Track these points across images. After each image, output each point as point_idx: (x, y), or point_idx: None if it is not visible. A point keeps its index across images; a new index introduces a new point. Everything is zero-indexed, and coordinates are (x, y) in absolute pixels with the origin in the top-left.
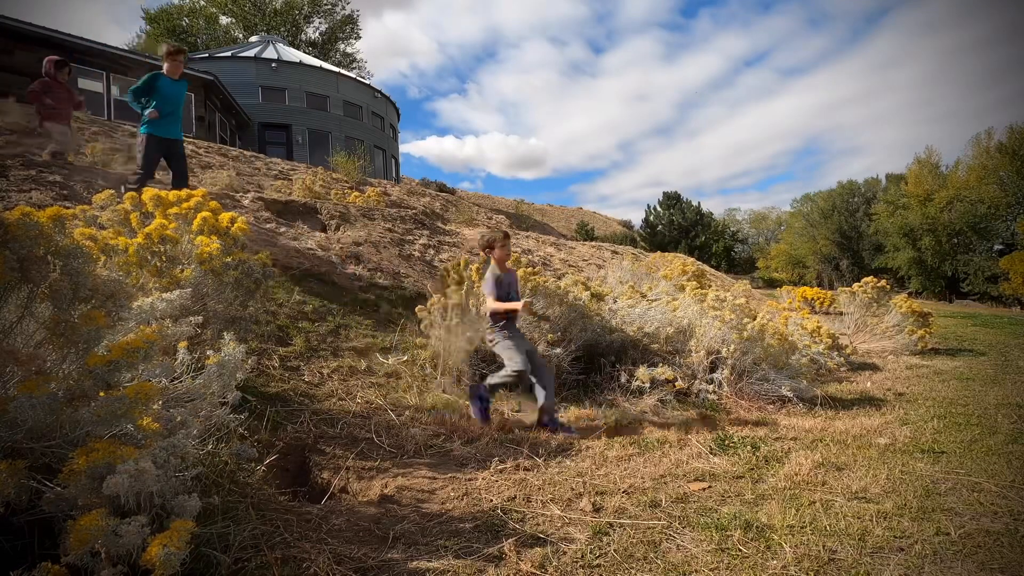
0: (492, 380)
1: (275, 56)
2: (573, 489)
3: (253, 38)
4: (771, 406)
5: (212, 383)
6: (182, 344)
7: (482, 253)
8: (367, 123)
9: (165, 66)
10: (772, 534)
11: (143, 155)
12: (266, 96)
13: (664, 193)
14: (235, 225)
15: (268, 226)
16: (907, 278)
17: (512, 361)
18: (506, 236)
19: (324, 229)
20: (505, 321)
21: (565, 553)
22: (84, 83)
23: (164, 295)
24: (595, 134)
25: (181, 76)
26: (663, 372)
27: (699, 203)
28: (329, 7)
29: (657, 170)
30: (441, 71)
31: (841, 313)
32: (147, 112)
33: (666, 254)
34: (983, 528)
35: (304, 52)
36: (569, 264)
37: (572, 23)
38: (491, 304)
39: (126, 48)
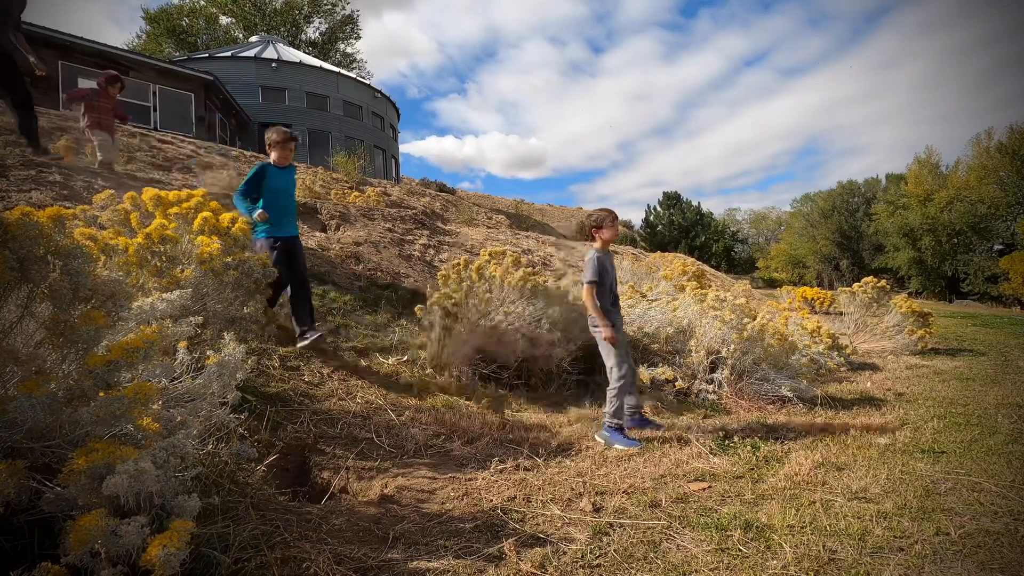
0: (613, 407)
1: (275, 56)
2: (573, 489)
3: (253, 38)
4: (771, 406)
5: (212, 383)
6: (182, 344)
7: (591, 234)
8: (367, 123)
9: (273, 155)
10: (772, 534)
11: (273, 263)
12: (266, 96)
13: (664, 193)
14: (235, 225)
15: None
16: (907, 278)
17: (613, 372)
18: (615, 216)
19: (324, 229)
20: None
21: (565, 553)
22: (84, 83)
23: (164, 295)
24: (595, 134)
25: (288, 163)
26: (663, 372)
27: (699, 203)
28: (329, 7)
29: (657, 170)
30: (440, 71)
31: (841, 313)
32: (255, 215)
33: (666, 254)
34: (983, 528)
35: (304, 52)
36: (569, 264)
37: (571, 23)
38: (588, 298)
39: (126, 48)
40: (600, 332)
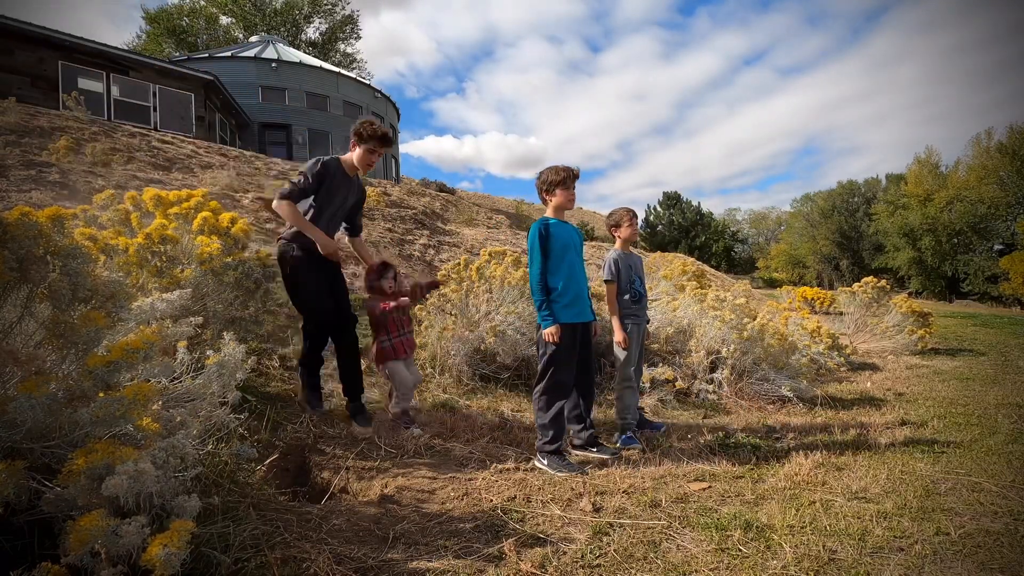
0: (622, 405)
1: (275, 56)
2: (573, 489)
3: (253, 38)
4: (771, 406)
5: (212, 383)
6: (182, 344)
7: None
8: None
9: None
10: (772, 534)
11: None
12: (266, 96)
13: (664, 193)
14: (235, 225)
15: (268, 226)
16: (907, 278)
17: (620, 371)
18: (634, 214)
19: None
20: (630, 310)
21: (565, 553)
22: (84, 83)
23: (164, 295)
24: (594, 133)
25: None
26: (663, 372)
27: (699, 203)
28: (329, 7)
29: (656, 169)
30: (438, 70)
31: (841, 313)
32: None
33: (666, 254)
34: (983, 528)
35: (304, 52)
36: None
37: (569, 21)
38: (608, 299)
39: (126, 48)
40: (615, 333)
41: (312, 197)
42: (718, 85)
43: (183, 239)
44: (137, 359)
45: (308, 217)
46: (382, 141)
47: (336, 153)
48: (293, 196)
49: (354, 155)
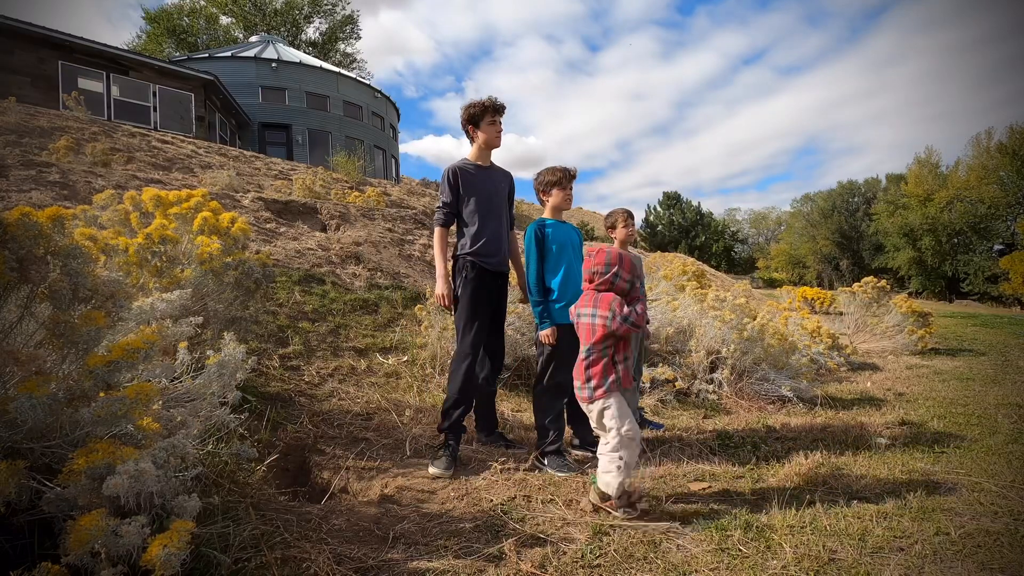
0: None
1: (275, 56)
2: (573, 489)
3: (253, 38)
4: (771, 406)
5: (212, 383)
6: (182, 344)
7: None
8: (367, 123)
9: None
10: (772, 534)
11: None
12: (266, 96)
13: (664, 193)
14: (235, 225)
15: (268, 226)
16: (907, 278)
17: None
18: (630, 215)
19: (324, 229)
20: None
21: (565, 553)
22: (84, 83)
23: (164, 295)
24: (593, 133)
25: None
26: (663, 372)
27: (699, 203)
28: (329, 7)
29: (655, 169)
30: (437, 69)
31: (841, 313)
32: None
33: (666, 254)
34: (983, 528)
35: (304, 52)
36: None
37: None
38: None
39: (126, 48)
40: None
41: (460, 205)
42: (717, 84)
43: (183, 239)
44: (137, 359)
45: (471, 224)
46: (496, 109)
47: (336, 153)
48: (439, 221)
49: (479, 141)
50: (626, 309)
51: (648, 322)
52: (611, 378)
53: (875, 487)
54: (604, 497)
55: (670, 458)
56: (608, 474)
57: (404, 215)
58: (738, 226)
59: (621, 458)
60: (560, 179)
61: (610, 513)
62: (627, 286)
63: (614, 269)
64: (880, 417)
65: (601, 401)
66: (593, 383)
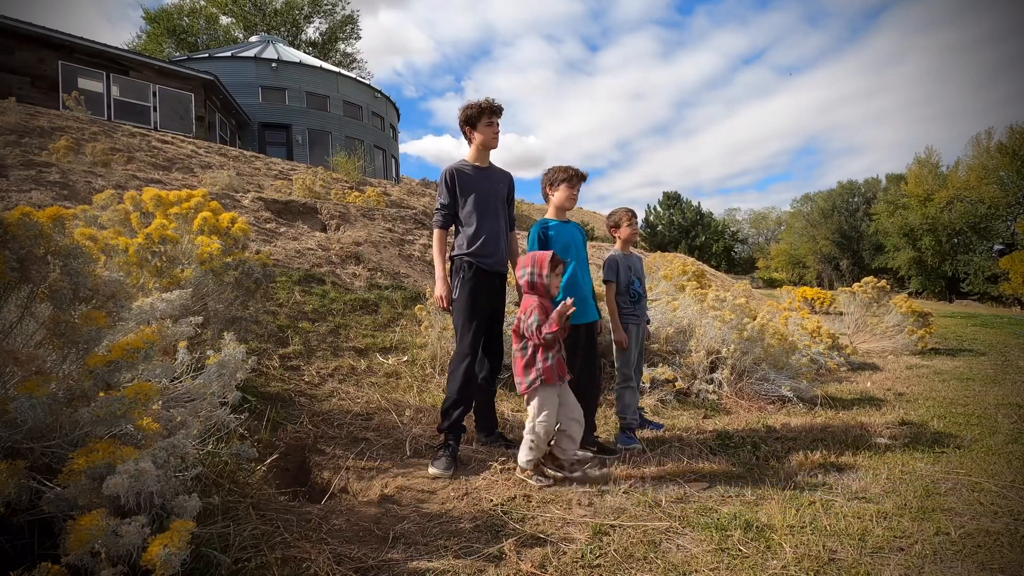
0: (622, 404)
1: (275, 56)
2: (573, 489)
3: (253, 38)
4: (771, 406)
5: (212, 383)
6: (182, 344)
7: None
8: (367, 123)
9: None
10: (772, 534)
11: None
12: (266, 96)
13: (664, 193)
14: (235, 225)
15: (268, 226)
16: (907, 278)
17: (619, 373)
18: (633, 214)
19: (324, 229)
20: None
21: (565, 553)
22: (84, 83)
23: (164, 295)
24: (592, 132)
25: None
26: (663, 372)
27: (699, 203)
28: (329, 7)
29: (655, 169)
30: (436, 69)
31: (841, 313)
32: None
33: (666, 254)
34: (983, 528)
35: (304, 52)
36: None
37: (567, 20)
38: (607, 298)
39: (126, 48)
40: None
41: (457, 206)
42: (717, 84)
43: (183, 239)
44: (137, 359)
45: (469, 225)
46: (492, 111)
47: (336, 153)
48: (438, 223)
49: (476, 142)
50: (531, 320)
51: (649, 322)
52: (532, 375)
53: (875, 487)
54: (522, 469)
55: (670, 458)
56: (522, 451)
57: (404, 215)
58: (738, 226)
59: (532, 440)
60: (570, 177)
61: (527, 481)
62: (546, 281)
63: (529, 269)
64: (880, 417)
65: (528, 395)
66: (518, 379)
